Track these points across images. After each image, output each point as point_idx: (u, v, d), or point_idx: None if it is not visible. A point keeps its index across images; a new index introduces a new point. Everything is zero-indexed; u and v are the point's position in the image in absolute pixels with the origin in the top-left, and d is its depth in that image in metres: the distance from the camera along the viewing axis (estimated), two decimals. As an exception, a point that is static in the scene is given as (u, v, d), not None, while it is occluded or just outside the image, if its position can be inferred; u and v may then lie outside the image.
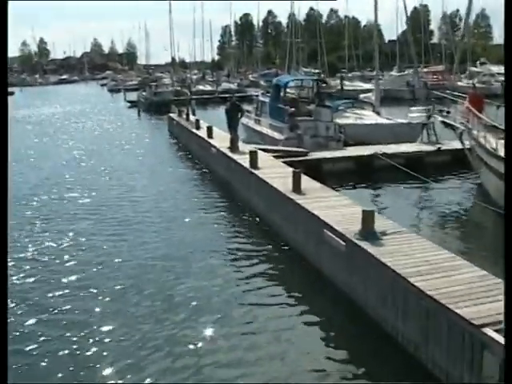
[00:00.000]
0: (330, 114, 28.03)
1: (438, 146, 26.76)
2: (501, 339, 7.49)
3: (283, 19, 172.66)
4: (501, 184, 17.53)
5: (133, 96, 69.09)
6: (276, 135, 27.71)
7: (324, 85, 32.91)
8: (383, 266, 10.27)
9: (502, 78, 68.38)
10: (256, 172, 18.38)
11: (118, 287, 12.50)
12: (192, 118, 34.85)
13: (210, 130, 26.87)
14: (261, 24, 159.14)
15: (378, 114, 33.43)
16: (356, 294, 11.34)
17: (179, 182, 23.68)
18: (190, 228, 16.96)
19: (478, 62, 78.97)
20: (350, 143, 27.69)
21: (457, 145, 24.99)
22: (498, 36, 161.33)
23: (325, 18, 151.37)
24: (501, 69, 72.84)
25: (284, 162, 21.72)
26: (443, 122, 23.84)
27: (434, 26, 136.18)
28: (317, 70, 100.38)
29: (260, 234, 16.23)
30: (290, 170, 18.52)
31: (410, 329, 9.44)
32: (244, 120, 33.52)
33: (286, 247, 14.85)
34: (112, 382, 8.98)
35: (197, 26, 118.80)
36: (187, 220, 17.71)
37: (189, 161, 28.97)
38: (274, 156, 23.14)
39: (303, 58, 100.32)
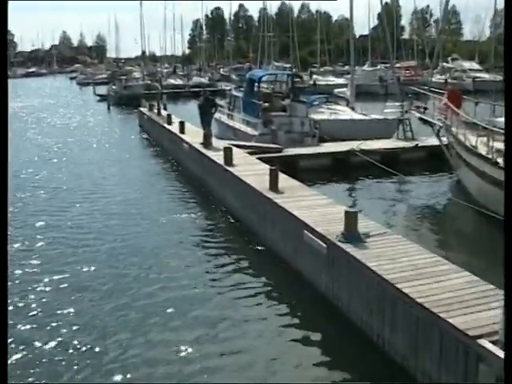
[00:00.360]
0: (305, 110, 27.53)
1: (415, 142, 26.39)
2: (498, 351, 7.01)
3: (254, 13, 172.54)
4: (481, 182, 17.20)
5: (102, 90, 67.95)
6: (249, 131, 27.12)
7: (299, 80, 32.27)
8: (368, 270, 9.74)
9: (474, 74, 68.75)
10: (231, 169, 17.77)
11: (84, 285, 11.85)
12: (163, 112, 34.09)
13: (182, 125, 26.17)
14: (232, 18, 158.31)
15: (353, 109, 33.01)
16: (339, 300, 10.80)
17: (150, 179, 22.99)
18: (161, 227, 16.30)
19: (449, 58, 79.06)
20: (325, 139, 27.22)
21: (433, 141, 24.81)
22: (469, 32, 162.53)
23: (296, 12, 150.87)
24: (472, 65, 73.06)
25: (258, 159, 21.17)
26: (421, 119, 23.46)
27: (404, 21, 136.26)
28: (288, 65, 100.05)
29: (235, 234, 15.67)
30: (266, 167, 17.99)
31: (398, 338, 8.91)
32: (216, 115, 32.84)
33: (262, 248, 14.26)
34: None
35: (168, 19, 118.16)
36: (159, 218, 17.03)
37: (160, 156, 28.22)
38: (247, 152, 22.58)
39: (275, 53, 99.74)
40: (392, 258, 10.16)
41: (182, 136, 25.18)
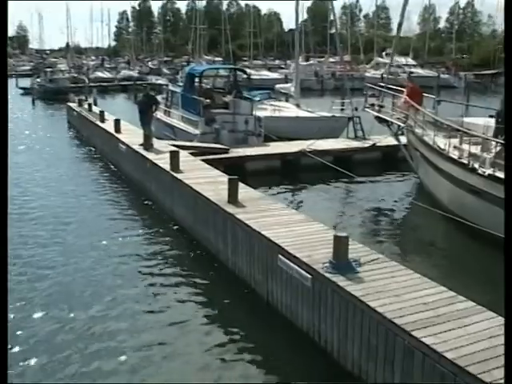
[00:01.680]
0: (250, 107, 25.62)
1: (368, 142, 24.93)
2: None
3: (182, 6, 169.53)
4: (456, 190, 15.63)
5: (26, 82, 64.34)
6: (190, 129, 24.98)
7: (245, 75, 30.18)
8: (370, 310, 7.91)
9: (409, 69, 68.16)
10: (179, 176, 15.64)
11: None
12: (95, 108, 31.47)
13: (117, 123, 23.78)
14: (159, 10, 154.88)
15: (298, 106, 31.30)
16: (327, 343, 8.92)
17: (83, 185, 20.48)
18: (98, 251, 13.90)
19: (384, 53, 78.61)
20: (271, 138, 25.40)
21: (385, 141, 23.54)
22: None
23: (225, 6, 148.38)
24: (408, 60, 72.71)
25: (203, 161, 19.19)
26: (377, 118, 21.80)
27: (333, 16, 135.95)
28: (218, 58, 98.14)
29: (189, 254, 13.59)
30: (217, 173, 16.14)
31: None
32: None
33: (222, 271, 12.30)
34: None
35: (96, 10, 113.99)
36: (95, 239, 14.60)
37: (93, 158, 25.58)
38: (190, 153, 20.54)
39: (204, 46, 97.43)
40: (396, 293, 8.37)
41: (118, 136, 22.81)
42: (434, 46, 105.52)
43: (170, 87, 29.77)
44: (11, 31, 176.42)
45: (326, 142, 24.02)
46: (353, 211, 18.06)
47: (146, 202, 17.87)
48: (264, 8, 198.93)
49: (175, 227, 15.28)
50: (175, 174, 15.75)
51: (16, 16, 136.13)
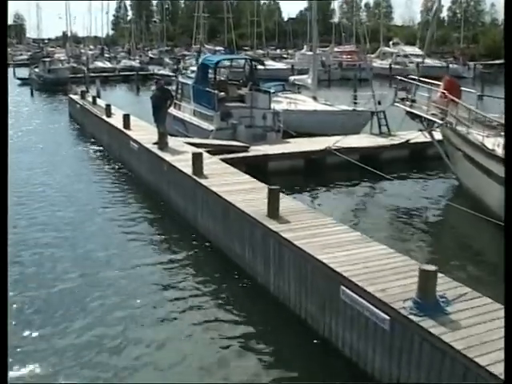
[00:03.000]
0: (268, 100, 23.84)
1: (396, 138, 23.24)
2: None
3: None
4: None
5: (23, 72, 62.38)
6: (204, 124, 23.18)
7: (261, 66, 28.38)
8: (479, 368, 6.22)
9: (417, 60, 66.35)
10: (203, 182, 13.87)
11: None
12: (100, 102, 29.60)
13: (126, 119, 21.97)
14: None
15: (315, 98, 29.50)
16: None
17: (91, 189, 18.60)
18: (115, 266, 12.24)
19: (390, 43, 76.76)
20: (289, 134, 23.67)
21: (410, 136, 22.28)
22: (399, 16, 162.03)
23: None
24: (415, 50, 70.85)
25: (222, 160, 17.52)
26: (409, 113, 20.03)
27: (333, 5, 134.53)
28: (218, 48, 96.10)
29: (219, 272, 11.87)
30: (246, 178, 14.35)
31: None
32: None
33: (263, 296, 10.62)
34: None
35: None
36: (110, 250, 13.01)
37: (100, 157, 23.67)
38: (206, 151, 18.79)
39: (205, 35, 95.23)
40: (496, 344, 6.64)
41: (128, 133, 21.01)
42: (439, 36, 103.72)
43: (180, 79, 27.90)
44: (8, 20, 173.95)
45: (350, 139, 22.25)
46: (387, 215, 16.44)
47: (162, 208, 16.12)
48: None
49: (199, 239, 13.56)
50: (199, 180, 13.98)
51: (12, 5, 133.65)
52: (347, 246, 9.70)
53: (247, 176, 14.69)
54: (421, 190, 19.51)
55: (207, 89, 23.84)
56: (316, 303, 9.21)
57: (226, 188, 13.21)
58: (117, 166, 21.35)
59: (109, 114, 25.24)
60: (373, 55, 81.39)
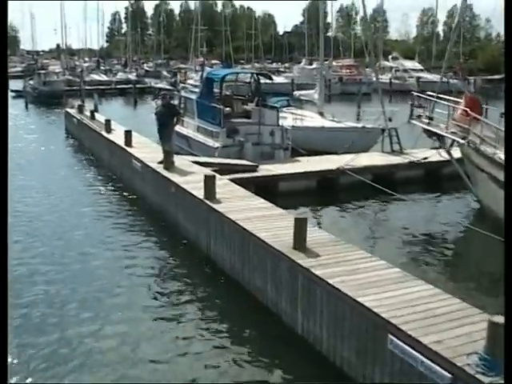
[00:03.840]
0: (276, 116, 22.88)
1: (408, 157, 22.31)
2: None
3: (176, 6, 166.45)
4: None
5: (17, 84, 61.19)
6: (209, 141, 22.14)
7: (269, 80, 27.39)
8: None
9: (417, 74, 65.71)
10: (217, 208, 12.80)
11: None
12: (99, 117, 28.49)
13: (128, 135, 20.89)
14: (152, 12, 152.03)
15: (322, 114, 28.52)
16: None
17: (93, 213, 17.26)
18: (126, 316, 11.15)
19: (390, 57, 76.02)
20: (297, 152, 22.68)
21: (425, 154, 21.51)
22: (394, 30, 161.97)
23: (220, 7, 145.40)
24: (414, 64, 70.15)
25: (231, 180, 16.52)
26: (427, 131, 19.08)
27: (329, 18, 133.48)
28: (216, 61, 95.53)
29: (239, 307, 10.82)
30: (263, 203, 13.33)
31: None
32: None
33: (289, 332, 9.59)
34: None
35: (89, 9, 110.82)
36: (114, 281, 12.02)
37: (101, 176, 22.35)
38: (213, 170, 17.79)
39: (197, 49, 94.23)
40: None
41: (130, 150, 19.96)
42: (437, 50, 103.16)
43: (183, 93, 26.91)
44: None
45: (362, 158, 21.31)
46: (407, 240, 15.40)
47: (170, 233, 15.04)
48: (258, 10, 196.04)
49: (212, 268, 12.53)
50: (213, 205, 12.90)
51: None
52: (389, 285, 8.66)
53: (262, 200, 13.62)
54: (439, 212, 18.71)
55: (212, 104, 22.85)
56: (355, 349, 8.17)
57: (242, 214, 12.14)
58: (119, 187, 20.13)
59: (109, 130, 24.20)
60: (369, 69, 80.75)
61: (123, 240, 14.54)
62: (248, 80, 28.11)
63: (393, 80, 63.92)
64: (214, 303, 11.03)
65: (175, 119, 17.64)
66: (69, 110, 33.82)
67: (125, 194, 19.14)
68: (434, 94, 19.77)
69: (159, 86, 61.21)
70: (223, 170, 18.52)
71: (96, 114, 28.71)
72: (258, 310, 10.56)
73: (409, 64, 71.33)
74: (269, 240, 10.47)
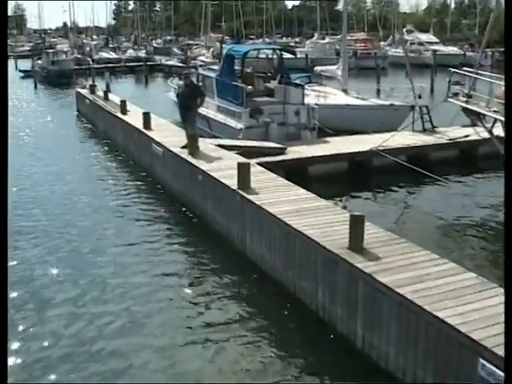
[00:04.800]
0: (301, 94, 21.54)
1: (441, 135, 21.07)
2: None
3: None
4: None
5: (25, 64, 59.99)
6: (231, 122, 20.88)
7: (293, 56, 26.00)
8: None
9: (432, 47, 63.92)
10: (253, 199, 11.57)
11: None
12: (113, 97, 27.25)
13: (147, 118, 19.66)
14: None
15: (346, 91, 27.16)
16: None
17: (113, 203, 16.02)
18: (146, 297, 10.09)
19: (404, 30, 74.11)
20: (327, 133, 21.40)
21: (457, 133, 20.44)
22: (405, 2, 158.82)
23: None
24: (430, 37, 68.33)
25: (259, 165, 15.32)
26: (465, 110, 17.73)
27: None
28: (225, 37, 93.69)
29: (283, 312, 9.67)
30: (303, 193, 12.07)
31: None
32: (174, 95, 26.50)
33: (346, 345, 8.51)
34: None
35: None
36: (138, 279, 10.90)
37: (117, 161, 21.09)
38: (237, 153, 16.65)
39: (206, 25, 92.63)
40: None
41: (150, 134, 18.73)
42: (450, 22, 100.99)
43: (201, 71, 25.56)
44: (8, 11, 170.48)
45: (395, 138, 19.96)
46: (455, 229, 14.19)
47: (197, 225, 13.88)
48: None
49: (249, 267, 11.35)
50: (248, 196, 11.69)
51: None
52: (468, 295, 7.45)
53: (303, 190, 12.37)
54: (479, 194, 17.38)
55: (234, 82, 21.56)
56: (432, 369, 7.02)
57: (282, 207, 10.93)
58: (138, 173, 18.92)
59: (124, 111, 22.92)
60: (384, 43, 78.99)
61: (148, 228, 13.45)
62: (269, 56, 26.61)
63: (408, 54, 62.14)
64: (255, 305, 9.91)
65: (199, 100, 16.34)
66: (80, 90, 32.50)
67: (144, 181, 17.94)
68: (473, 70, 18.42)
69: (170, 63, 59.86)
70: (249, 152, 17.27)
71: (110, 96, 27.39)
72: (305, 315, 9.43)
73: (424, 37, 69.44)
74: (318, 239, 9.27)
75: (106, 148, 23.26)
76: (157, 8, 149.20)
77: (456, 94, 18.54)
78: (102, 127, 26.19)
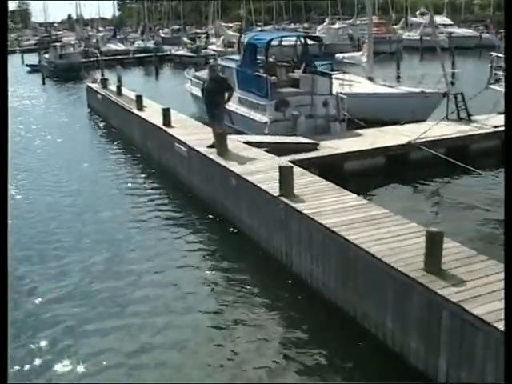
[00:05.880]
0: (329, 84, 20.24)
1: (477, 124, 19.82)
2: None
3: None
4: None
5: (32, 59, 58.71)
6: (255, 116, 19.58)
7: (320, 44, 24.46)
8: None
9: (447, 30, 62.24)
10: (301, 208, 10.25)
11: None
12: (127, 92, 25.93)
13: (166, 114, 18.40)
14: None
15: (371, 79, 25.76)
16: None
17: (135, 210, 14.70)
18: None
19: (417, 13, 72.40)
20: (359, 124, 20.07)
21: (497, 121, 18.74)
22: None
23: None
24: (443, 19, 66.54)
25: (292, 163, 13.99)
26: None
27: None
28: (230, 24, 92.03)
29: (341, 339, 8.45)
30: (353, 197, 10.78)
31: None
32: (193, 88, 25.24)
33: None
34: None
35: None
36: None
37: (136, 160, 19.78)
38: (265, 150, 15.41)
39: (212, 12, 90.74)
40: None
41: (171, 131, 17.47)
42: (459, 4, 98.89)
43: (220, 61, 24.17)
44: (12, 5, 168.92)
45: (427, 129, 18.57)
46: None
47: (232, 234, 12.58)
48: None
49: (297, 285, 10.08)
50: (293, 204, 10.38)
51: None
52: None
53: (353, 195, 11.02)
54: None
55: (256, 73, 20.24)
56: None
57: (337, 217, 9.62)
58: (159, 174, 17.66)
59: (140, 107, 21.61)
60: (397, 26, 77.13)
61: (179, 246, 12.16)
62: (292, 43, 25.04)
63: (424, 37, 60.56)
64: (309, 330, 8.65)
65: (227, 95, 15.02)
66: (91, 84, 31.17)
67: (167, 183, 16.68)
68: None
69: (180, 53, 58.47)
70: (280, 149, 16.03)
71: (124, 90, 26.06)
72: (370, 344, 8.17)
73: (438, 19, 67.41)
74: (386, 258, 7.97)
75: (122, 147, 21.86)
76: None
77: (498, 81, 17.27)
78: (116, 123, 24.89)
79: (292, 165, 11.57)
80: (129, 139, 22.28)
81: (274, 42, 22.72)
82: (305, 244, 9.90)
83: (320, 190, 11.25)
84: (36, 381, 7.67)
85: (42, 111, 31.69)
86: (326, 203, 10.38)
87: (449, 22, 69.19)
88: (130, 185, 16.86)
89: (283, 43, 25.70)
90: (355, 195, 10.94)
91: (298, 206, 10.24)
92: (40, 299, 9.83)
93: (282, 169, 10.89)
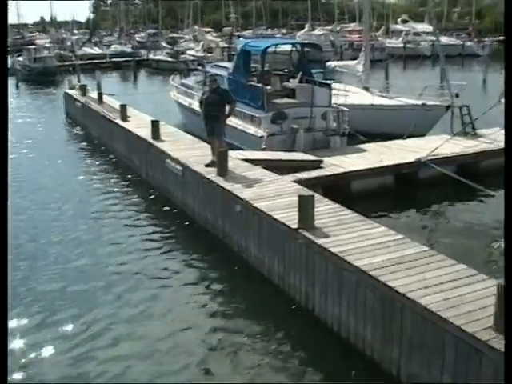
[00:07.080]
0: (328, 95, 19.01)
1: (483, 139, 18.87)
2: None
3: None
4: None
5: (4, 62, 56.65)
6: (250, 129, 18.24)
7: (320, 51, 23.00)
8: None
9: (430, 38, 61.62)
10: (326, 245, 8.89)
11: None
12: (109, 100, 24.39)
13: (155, 127, 16.91)
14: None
15: (368, 90, 24.55)
16: None
17: (128, 241, 13.07)
18: None
19: (399, 20, 71.66)
20: (360, 139, 18.92)
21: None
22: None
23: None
24: (425, 27, 65.83)
25: (296, 182, 12.87)
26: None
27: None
28: (207, 29, 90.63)
29: None
30: (382, 230, 9.49)
31: None
32: (183, 98, 23.82)
33: None
34: None
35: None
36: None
37: (120, 176, 18.10)
38: (264, 168, 14.14)
39: (194, 16, 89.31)
40: None
41: (161, 146, 16.03)
42: (438, 12, 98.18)
43: (209, 68, 22.78)
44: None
45: (438, 144, 17.45)
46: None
47: (239, 270, 11.14)
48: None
49: (323, 331, 8.76)
50: (317, 240, 8.99)
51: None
52: None
53: (382, 228, 9.57)
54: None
55: (250, 82, 18.95)
56: None
57: (371, 258, 8.24)
58: (148, 194, 16.08)
59: (124, 118, 20.08)
60: (377, 33, 76.41)
61: (179, 277, 10.77)
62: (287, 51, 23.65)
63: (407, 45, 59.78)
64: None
65: (229, 109, 13.66)
66: (68, 90, 29.53)
67: (158, 205, 15.15)
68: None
69: (158, 58, 57.04)
70: (280, 167, 14.74)
71: (105, 98, 24.48)
72: None
73: (420, 27, 66.84)
74: (443, 313, 6.67)
75: (105, 162, 20.00)
76: (136, 1, 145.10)
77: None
78: (97, 134, 23.25)
79: (313, 193, 10.17)
80: (111, 151, 20.65)
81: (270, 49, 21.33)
82: (332, 287, 8.52)
83: (343, 222, 9.86)
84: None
85: (16, 119, 29.49)
86: (353, 238, 9.02)
87: (431, 29, 68.65)
88: (117, 210, 14.98)
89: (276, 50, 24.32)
90: (384, 228, 9.58)
91: (322, 241, 8.86)
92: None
93: (301, 198, 9.49)
